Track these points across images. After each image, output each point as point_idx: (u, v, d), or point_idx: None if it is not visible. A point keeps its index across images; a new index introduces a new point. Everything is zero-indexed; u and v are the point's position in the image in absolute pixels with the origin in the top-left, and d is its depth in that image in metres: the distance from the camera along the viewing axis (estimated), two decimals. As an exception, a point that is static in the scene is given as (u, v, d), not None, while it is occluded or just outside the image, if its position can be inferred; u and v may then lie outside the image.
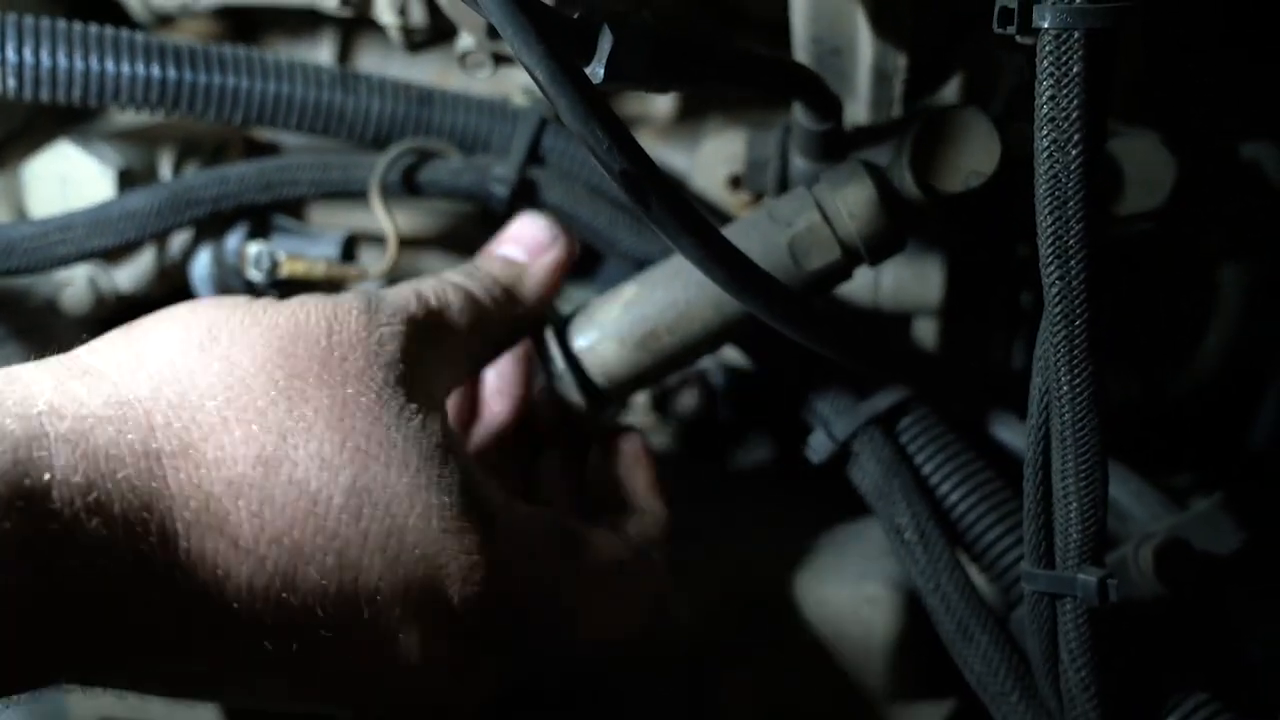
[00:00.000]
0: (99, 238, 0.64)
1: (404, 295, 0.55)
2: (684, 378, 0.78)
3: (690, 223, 0.49)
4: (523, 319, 0.61)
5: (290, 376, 0.49)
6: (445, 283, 0.58)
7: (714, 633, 0.65)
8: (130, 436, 0.44)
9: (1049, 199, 0.47)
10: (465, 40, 0.63)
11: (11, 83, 0.60)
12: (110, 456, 0.43)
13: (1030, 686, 0.60)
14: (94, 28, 0.62)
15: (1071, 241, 0.48)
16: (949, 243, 0.70)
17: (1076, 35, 0.45)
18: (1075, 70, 0.45)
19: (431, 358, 0.55)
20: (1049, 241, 0.48)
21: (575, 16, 0.49)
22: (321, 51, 0.80)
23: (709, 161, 0.74)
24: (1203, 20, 0.71)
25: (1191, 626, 0.61)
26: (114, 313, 0.71)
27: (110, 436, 0.43)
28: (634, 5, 0.60)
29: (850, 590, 0.65)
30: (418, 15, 0.66)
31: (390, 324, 0.53)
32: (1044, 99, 0.46)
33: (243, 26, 0.80)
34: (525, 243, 0.62)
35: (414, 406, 0.51)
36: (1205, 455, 0.79)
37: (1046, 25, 0.45)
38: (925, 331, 0.72)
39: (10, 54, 0.59)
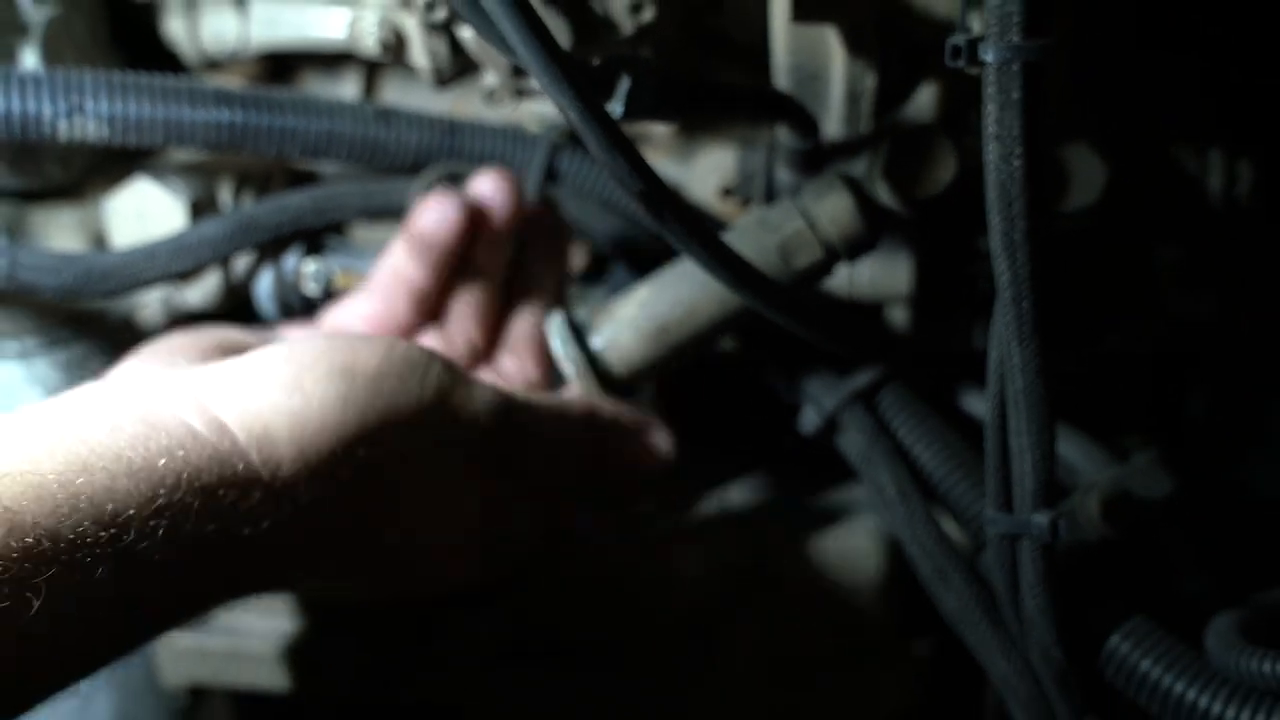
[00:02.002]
0: (179, 262, 0.71)
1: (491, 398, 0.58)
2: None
3: (697, 232, 0.57)
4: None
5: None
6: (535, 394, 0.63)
7: (719, 586, 0.71)
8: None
9: (997, 202, 0.52)
10: (490, 78, 0.71)
11: (105, 131, 0.67)
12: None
13: (997, 617, 0.65)
14: (170, 80, 0.69)
15: (1017, 237, 0.52)
16: (917, 240, 0.75)
17: (1015, 66, 0.50)
18: (1015, 95, 0.50)
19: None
20: (998, 238, 0.53)
21: (596, 62, 0.58)
22: (348, 86, 0.87)
23: (703, 174, 0.80)
24: (1121, 28, 0.78)
25: (1132, 562, 0.67)
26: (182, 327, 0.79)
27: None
28: (635, 41, 0.69)
29: (840, 543, 0.70)
30: (445, 57, 0.74)
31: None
32: (990, 120, 0.51)
33: (280, 67, 0.86)
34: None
35: None
36: (1151, 420, 0.87)
37: (990, 59, 0.50)
38: (898, 317, 0.78)
39: (104, 107, 0.67)
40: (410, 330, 0.68)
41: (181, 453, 0.48)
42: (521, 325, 0.70)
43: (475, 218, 0.63)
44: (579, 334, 0.67)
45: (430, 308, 0.67)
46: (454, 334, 0.69)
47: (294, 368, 0.53)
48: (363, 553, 0.56)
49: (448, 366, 0.57)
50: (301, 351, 0.54)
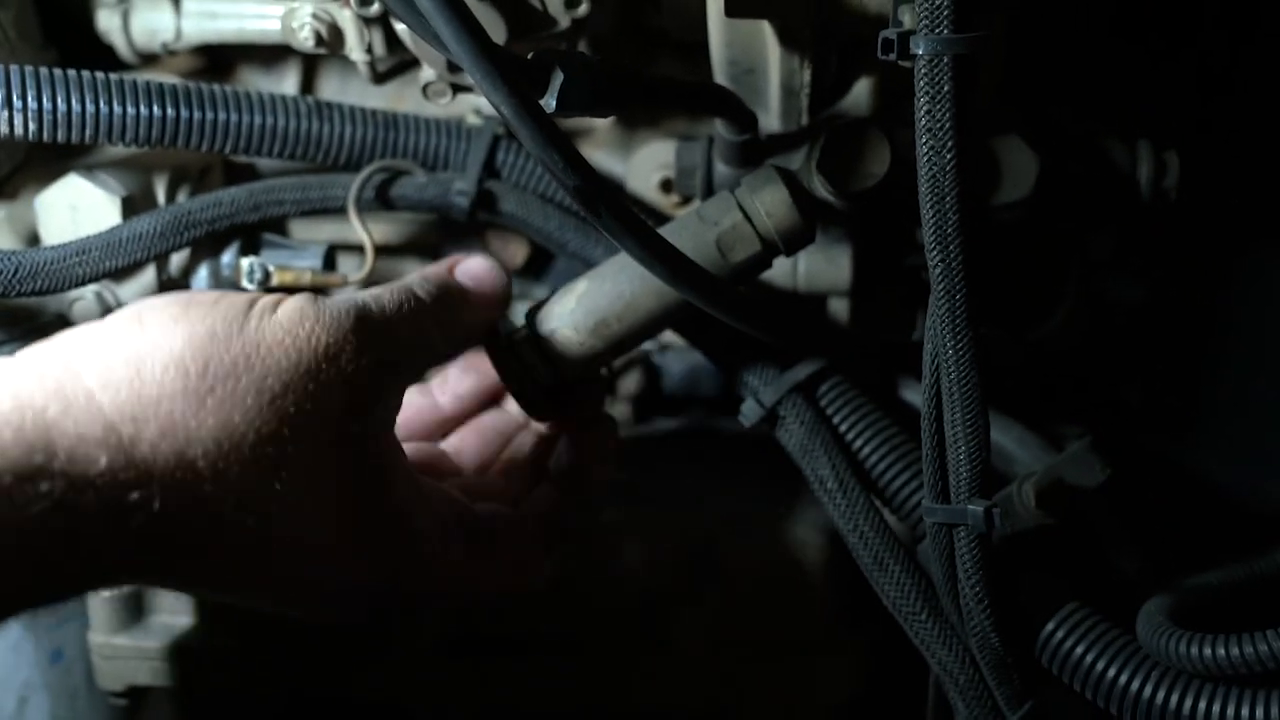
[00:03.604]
0: (111, 259, 0.70)
1: (342, 302, 0.57)
2: (629, 360, 0.85)
3: (633, 227, 0.57)
4: (470, 325, 0.66)
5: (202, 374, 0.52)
6: (385, 288, 0.61)
7: (666, 579, 0.72)
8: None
9: (929, 195, 0.53)
10: (427, 73, 0.71)
11: (33, 127, 0.66)
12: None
13: (937, 606, 0.66)
14: (100, 75, 0.68)
15: (949, 230, 0.54)
16: (854, 233, 0.77)
17: (946, 60, 0.51)
18: (946, 89, 0.51)
19: (371, 362, 0.56)
20: (930, 231, 0.54)
21: (530, 56, 0.58)
22: (287, 80, 0.87)
23: (642, 168, 0.80)
24: (1058, 21, 0.79)
25: (1068, 548, 0.68)
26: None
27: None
28: (571, 35, 0.69)
29: (782, 535, 0.71)
30: (382, 51, 0.74)
31: (325, 326, 0.55)
32: (922, 112, 0.52)
33: (218, 60, 0.86)
34: (472, 272, 0.67)
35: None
36: (1091, 411, 0.88)
37: (921, 52, 0.51)
38: (838, 309, 0.79)
39: (31, 102, 0.66)
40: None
41: (26, 391, 0.48)
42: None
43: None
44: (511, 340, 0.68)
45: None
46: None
47: (136, 308, 0.54)
48: (213, 519, 0.52)
49: (301, 299, 0.56)
50: (147, 301, 0.54)
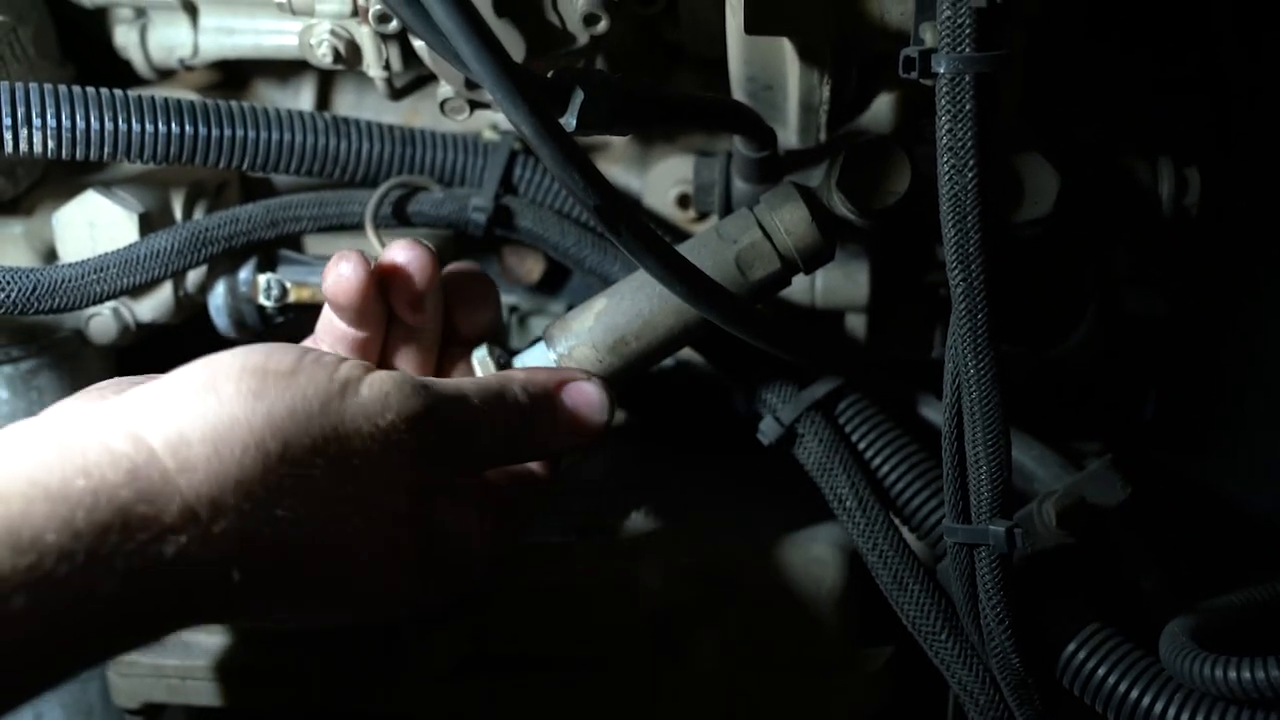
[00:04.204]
0: (129, 276, 0.70)
1: (428, 396, 0.57)
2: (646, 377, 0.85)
3: (653, 246, 0.57)
4: (547, 447, 0.64)
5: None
6: (485, 383, 0.61)
7: (684, 596, 0.71)
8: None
9: (951, 214, 0.53)
10: (445, 89, 0.70)
11: (52, 145, 0.66)
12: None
13: (957, 626, 0.66)
14: (119, 93, 0.68)
15: (971, 249, 0.53)
16: (874, 250, 0.77)
17: (967, 78, 0.50)
18: (968, 107, 0.51)
19: (446, 467, 0.59)
20: (952, 249, 0.53)
21: (549, 75, 0.58)
22: (303, 94, 0.87)
23: (659, 183, 0.81)
24: (1076, 38, 0.79)
25: (1089, 567, 0.67)
26: (136, 340, 0.78)
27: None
28: (590, 52, 0.69)
29: (800, 553, 0.70)
30: (399, 67, 0.74)
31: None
32: (943, 131, 0.52)
33: (233, 75, 0.87)
34: (579, 400, 0.64)
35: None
36: (1107, 425, 0.88)
37: (942, 71, 0.50)
38: (855, 326, 0.79)
39: (50, 120, 0.66)
40: None
41: (99, 471, 0.47)
42: (458, 368, 0.71)
43: (388, 279, 0.65)
44: (502, 366, 0.68)
45: (372, 354, 0.68)
46: None
47: (208, 372, 0.53)
48: (292, 572, 0.55)
49: (360, 363, 0.57)
50: (218, 358, 0.54)
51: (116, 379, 0.60)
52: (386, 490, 0.56)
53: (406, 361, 0.68)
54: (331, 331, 0.66)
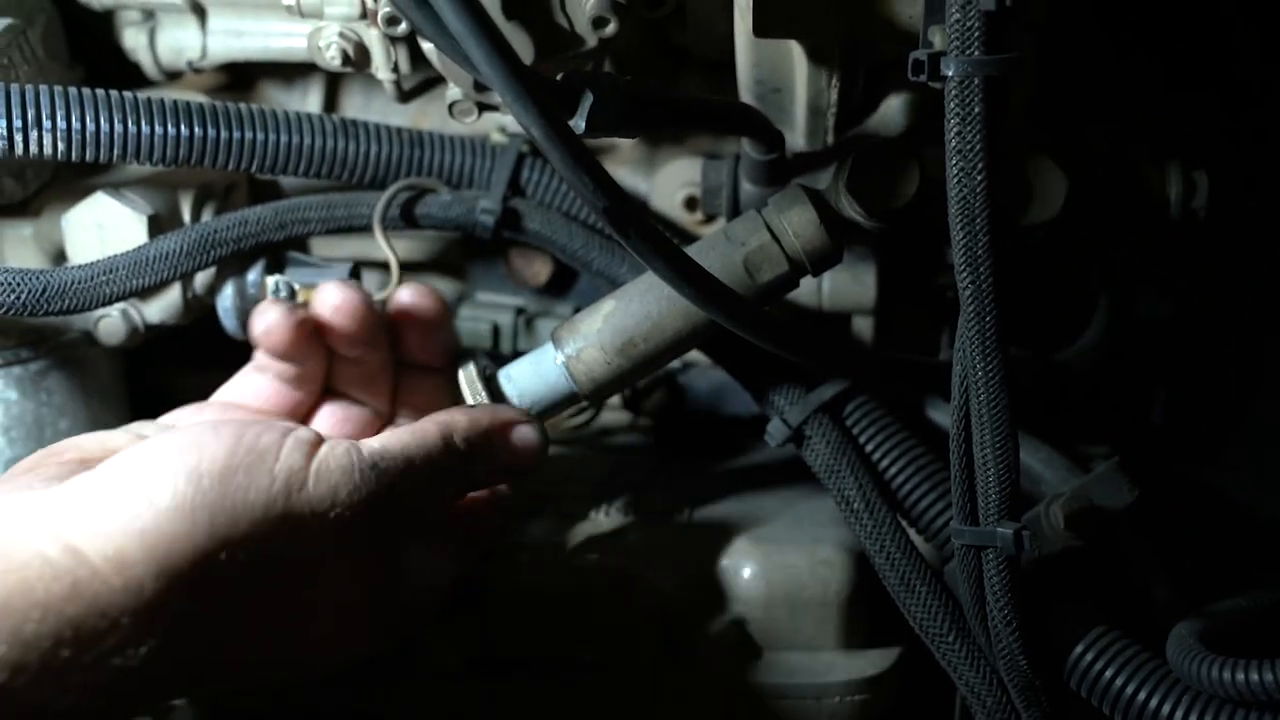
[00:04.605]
0: (138, 278, 0.70)
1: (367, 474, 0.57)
2: (654, 379, 0.85)
3: (662, 248, 0.57)
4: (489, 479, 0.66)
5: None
6: (421, 435, 0.61)
7: (689, 597, 0.71)
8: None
9: (960, 218, 0.53)
10: (453, 91, 0.71)
11: (61, 147, 0.66)
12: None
13: (964, 628, 0.66)
14: (128, 95, 0.68)
15: (979, 252, 0.53)
16: (880, 251, 0.77)
17: (976, 81, 0.50)
18: (977, 110, 0.51)
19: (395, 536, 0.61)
20: (961, 252, 0.54)
21: (559, 78, 0.58)
22: (311, 96, 0.87)
23: (667, 185, 0.81)
24: (1085, 40, 0.79)
25: (1096, 569, 0.67)
26: (144, 341, 0.78)
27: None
28: (598, 55, 0.69)
29: (808, 555, 0.70)
30: (407, 69, 0.74)
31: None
32: (952, 134, 0.52)
33: (241, 77, 0.86)
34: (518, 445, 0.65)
35: None
36: (1115, 428, 0.88)
37: (951, 74, 0.50)
38: (862, 328, 0.79)
39: (60, 122, 0.66)
40: (306, 404, 0.70)
41: (42, 586, 0.48)
42: (414, 387, 0.72)
43: (320, 322, 0.66)
44: (489, 380, 0.68)
45: (316, 384, 0.69)
46: (351, 405, 0.71)
47: (140, 480, 0.52)
48: (246, 650, 0.56)
49: (301, 443, 0.56)
50: (148, 459, 0.53)
51: (33, 456, 0.61)
52: (342, 561, 0.58)
53: (358, 388, 0.70)
54: (273, 364, 0.67)
